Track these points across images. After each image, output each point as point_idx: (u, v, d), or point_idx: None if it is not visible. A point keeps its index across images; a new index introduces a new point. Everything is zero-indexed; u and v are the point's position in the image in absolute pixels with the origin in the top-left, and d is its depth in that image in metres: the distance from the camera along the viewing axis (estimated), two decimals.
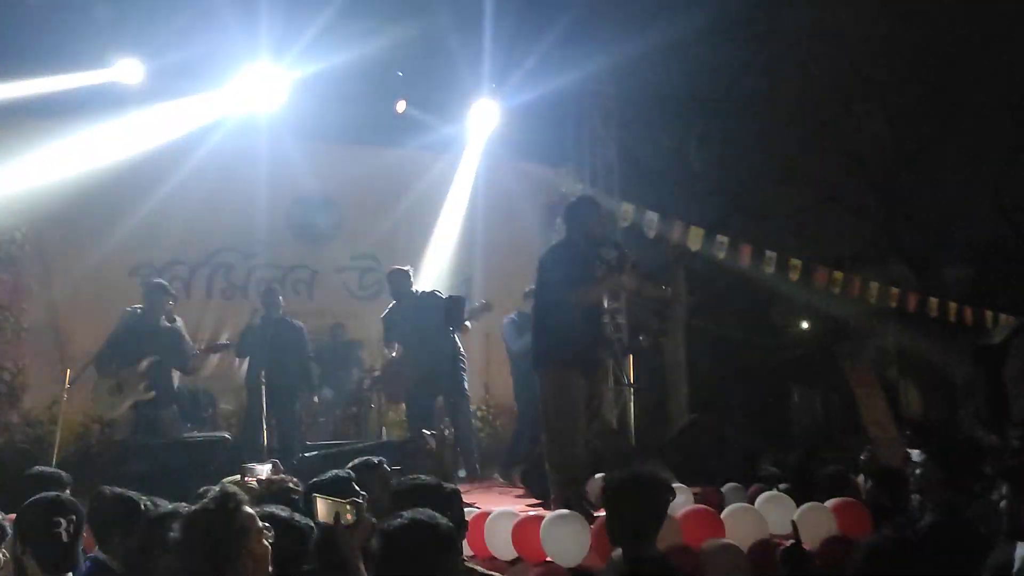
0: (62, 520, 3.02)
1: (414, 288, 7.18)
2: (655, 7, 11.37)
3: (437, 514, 2.52)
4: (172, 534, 2.21)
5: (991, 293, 12.83)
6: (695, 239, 9.79)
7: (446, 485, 3.26)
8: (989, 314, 10.93)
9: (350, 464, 3.66)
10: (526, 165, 10.03)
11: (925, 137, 14.24)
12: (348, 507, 2.54)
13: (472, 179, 9.70)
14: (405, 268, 7.31)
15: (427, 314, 6.52)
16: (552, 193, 10.04)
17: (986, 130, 13.86)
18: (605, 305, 5.31)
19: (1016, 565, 3.04)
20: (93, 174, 8.33)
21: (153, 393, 6.25)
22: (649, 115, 12.42)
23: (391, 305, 7.23)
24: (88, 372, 6.45)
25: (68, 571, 3.10)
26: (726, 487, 5.56)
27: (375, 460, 3.80)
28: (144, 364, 6.24)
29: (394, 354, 7.17)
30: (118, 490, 3.58)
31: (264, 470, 4.18)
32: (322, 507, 2.57)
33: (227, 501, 2.20)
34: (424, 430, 5.23)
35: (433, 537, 2.42)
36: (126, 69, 7.94)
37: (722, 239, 9.91)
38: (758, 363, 13.62)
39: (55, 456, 6.28)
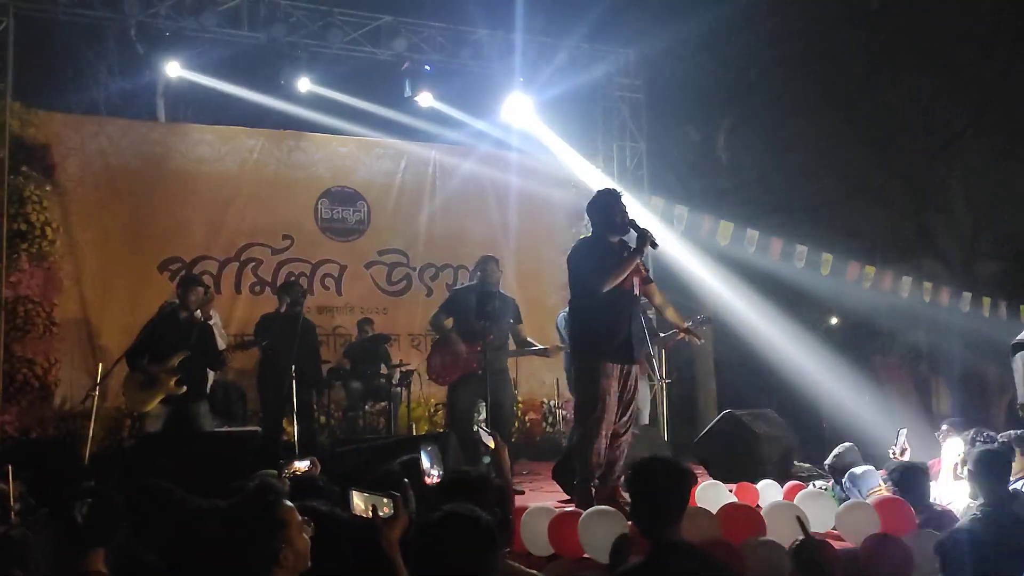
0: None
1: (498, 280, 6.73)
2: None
3: (478, 509, 2.47)
4: (211, 527, 2.19)
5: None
6: (724, 233, 9.70)
7: (494, 479, 3.20)
8: None
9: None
10: (554, 159, 9.96)
11: (957, 129, 14.01)
12: (385, 500, 2.49)
13: (502, 173, 9.65)
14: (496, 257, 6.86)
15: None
16: (581, 187, 9.97)
17: (1019, 121, 13.60)
18: (641, 298, 5.24)
19: None
20: (123, 170, 8.43)
21: (184, 388, 6.25)
22: (677, 108, 12.32)
23: (468, 285, 7.00)
24: (120, 366, 6.47)
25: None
26: (761, 484, 5.47)
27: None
28: (176, 359, 6.24)
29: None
30: (154, 481, 3.57)
31: (303, 465, 4.15)
32: (358, 501, 2.53)
33: (266, 493, 2.18)
34: (481, 428, 5.10)
35: (473, 532, 2.36)
36: None
37: (752, 233, 9.82)
38: (786, 358, 13.44)
39: (88, 449, 6.32)
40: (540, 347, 6.76)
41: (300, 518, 2.20)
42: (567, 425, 9.38)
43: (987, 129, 13.83)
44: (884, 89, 13.88)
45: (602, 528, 3.99)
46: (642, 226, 5.05)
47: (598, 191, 5.25)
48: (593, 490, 4.81)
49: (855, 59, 13.64)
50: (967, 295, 10.58)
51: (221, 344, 6.73)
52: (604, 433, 4.83)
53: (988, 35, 13.30)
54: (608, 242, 5.05)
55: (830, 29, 13.26)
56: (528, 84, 9.44)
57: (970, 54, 13.46)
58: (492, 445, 4.00)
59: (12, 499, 3.42)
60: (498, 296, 6.34)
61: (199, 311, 6.41)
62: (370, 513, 2.48)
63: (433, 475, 3.89)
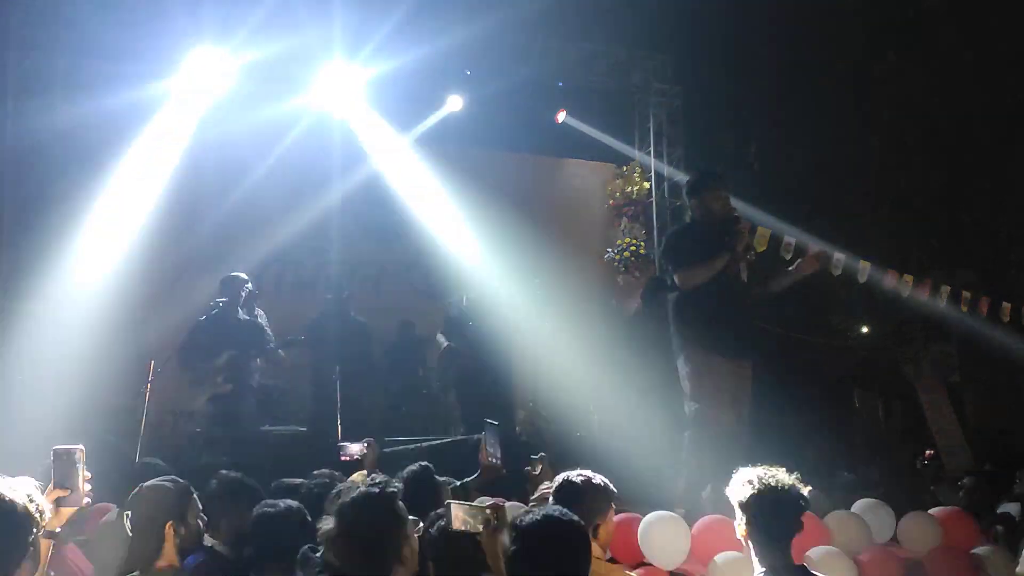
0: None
1: None
2: (719, 6, 11.26)
3: (568, 511, 2.49)
4: (325, 526, 2.21)
5: None
6: (762, 240, 9.65)
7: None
8: None
9: None
10: (592, 164, 9.98)
11: (990, 140, 13.89)
12: (490, 512, 2.48)
13: (537, 177, 9.68)
14: None
15: None
16: (618, 192, 10.00)
17: None
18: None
19: None
20: (170, 173, 8.51)
21: (230, 386, 6.30)
22: (711, 115, 12.31)
23: None
24: (170, 364, 6.53)
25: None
26: (807, 492, 5.43)
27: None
28: (223, 358, 6.30)
29: None
30: (230, 475, 3.60)
31: (358, 448, 4.19)
32: (459, 514, 2.49)
33: (386, 488, 2.20)
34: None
35: (570, 534, 2.38)
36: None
37: (789, 240, 9.76)
38: (819, 367, 13.38)
39: (139, 448, 6.37)
40: None
41: (411, 517, 2.23)
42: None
43: (1020, 140, 13.71)
44: (919, 99, 13.79)
45: (665, 534, 3.96)
46: (739, 227, 4.61)
47: (696, 173, 4.94)
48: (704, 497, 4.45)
49: (890, 69, 13.57)
50: (1007, 305, 10.45)
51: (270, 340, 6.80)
52: (712, 435, 4.51)
53: (1022, 46, 13.19)
54: (702, 231, 4.69)
55: (862, 40, 13.22)
56: (563, 89, 9.47)
57: (1005, 65, 13.36)
58: (536, 471, 3.92)
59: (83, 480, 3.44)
60: None
61: (245, 309, 6.49)
62: (470, 525, 2.47)
63: (495, 455, 3.85)
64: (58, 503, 2.31)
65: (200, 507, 3.15)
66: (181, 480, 3.19)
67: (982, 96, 13.58)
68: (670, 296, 4.89)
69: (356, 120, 8.79)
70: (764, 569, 2.70)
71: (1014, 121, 13.45)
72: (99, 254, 7.95)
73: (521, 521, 2.44)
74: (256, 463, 5.61)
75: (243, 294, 6.64)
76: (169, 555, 2.92)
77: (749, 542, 2.77)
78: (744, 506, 2.75)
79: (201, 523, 3.06)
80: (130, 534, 2.94)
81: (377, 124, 9.06)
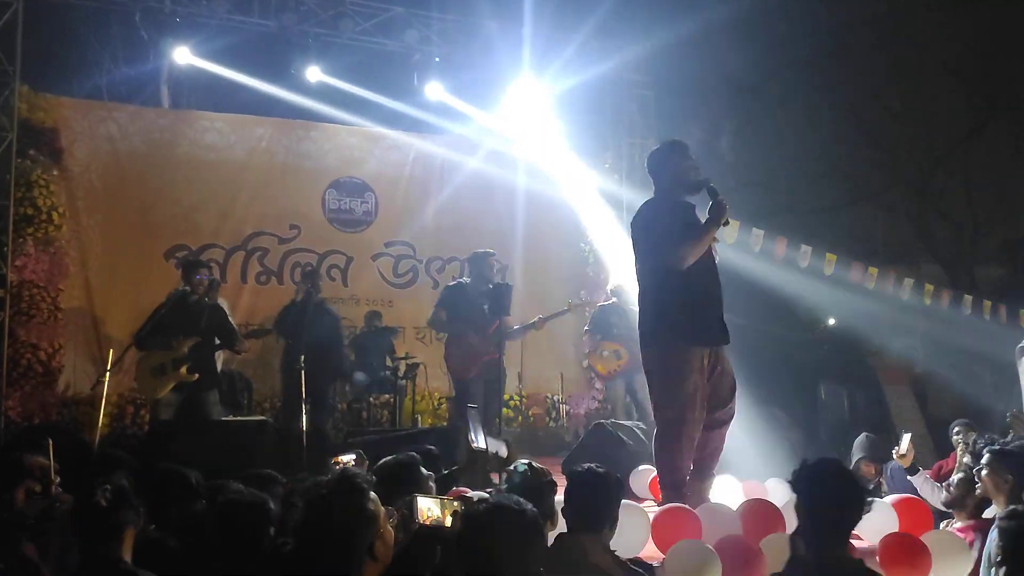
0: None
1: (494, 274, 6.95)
2: None
3: (523, 500, 2.46)
4: (293, 520, 2.14)
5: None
6: (731, 232, 9.70)
7: (544, 475, 3.18)
8: None
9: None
10: (564, 155, 9.96)
11: (959, 135, 14.08)
12: (456, 503, 2.44)
13: (510, 167, 9.63)
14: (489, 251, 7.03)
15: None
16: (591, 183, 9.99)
17: (1020, 128, 13.69)
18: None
19: None
20: (132, 159, 8.38)
21: (197, 375, 6.23)
22: (683, 106, 12.33)
23: (459, 281, 7.13)
24: (129, 353, 6.43)
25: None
26: (769, 482, 5.48)
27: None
28: (186, 344, 6.21)
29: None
30: (173, 466, 3.56)
31: (349, 459, 4.15)
32: (426, 507, 2.47)
33: (356, 482, 2.14)
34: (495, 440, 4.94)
35: (520, 523, 2.32)
36: None
37: (758, 232, 9.83)
38: (785, 359, 13.50)
39: (96, 436, 6.29)
40: (529, 323, 6.91)
41: (384, 510, 2.19)
42: (571, 420, 9.40)
43: (988, 136, 13.92)
44: (889, 94, 13.95)
45: (624, 523, 3.97)
46: (714, 188, 4.28)
47: (661, 144, 4.58)
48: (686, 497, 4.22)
49: (861, 64, 13.70)
50: (968, 298, 10.63)
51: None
52: (688, 434, 4.26)
53: (991, 42, 13.37)
54: (679, 203, 4.35)
55: (836, 33, 13.32)
56: (537, 78, 9.42)
57: (974, 61, 13.54)
58: (506, 454, 3.93)
59: (54, 472, 3.39)
60: (507, 288, 6.37)
61: (207, 296, 6.40)
62: (435, 518, 2.43)
63: (478, 442, 3.84)
64: None
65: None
66: None
67: (950, 90, 13.77)
68: (639, 282, 4.48)
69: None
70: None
71: (981, 115, 13.65)
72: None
73: (470, 508, 2.40)
74: (220, 454, 5.57)
75: (207, 282, 6.56)
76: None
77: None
78: None
79: None
80: None
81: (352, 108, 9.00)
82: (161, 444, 5.95)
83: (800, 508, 2.64)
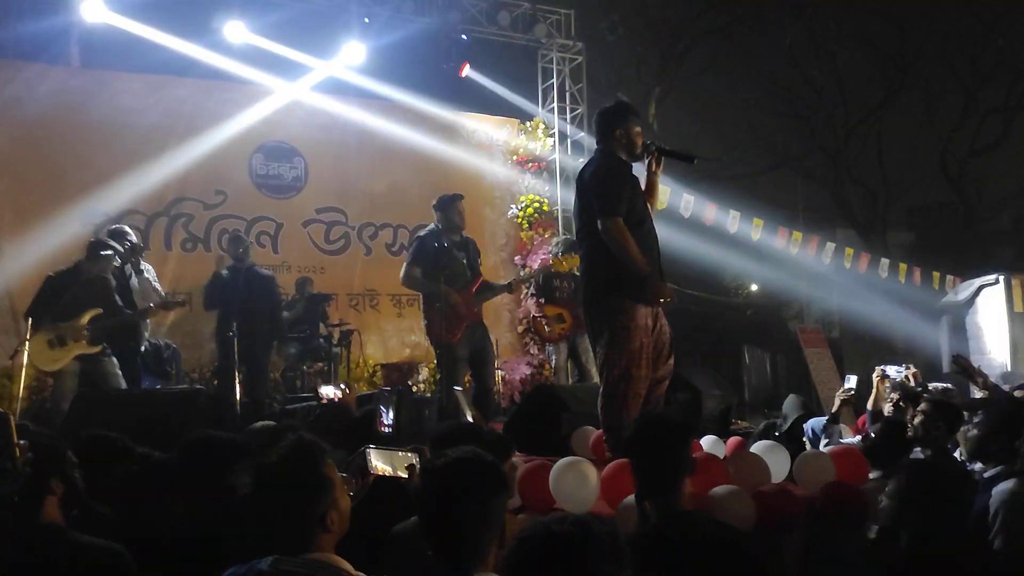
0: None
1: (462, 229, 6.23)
2: None
3: (482, 452, 2.41)
4: (243, 486, 2.04)
5: (932, 256, 13.27)
6: (662, 197, 9.83)
7: (489, 431, 3.17)
8: (936, 275, 11.29)
9: None
10: (496, 119, 9.89)
11: (873, 103, 14.57)
12: (410, 455, 2.38)
13: (443, 132, 9.51)
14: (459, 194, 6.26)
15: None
16: (521, 148, 9.96)
17: (933, 97, 14.24)
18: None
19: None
20: (42, 121, 7.94)
21: (100, 347, 6.01)
22: (611, 74, 12.39)
23: (429, 229, 6.21)
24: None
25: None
26: (704, 439, 5.60)
27: None
28: (87, 315, 5.99)
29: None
30: (105, 432, 3.43)
31: (329, 391, 4.06)
32: (378, 459, 2.40)
33: (309, 451, 2.02)
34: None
35: (481, 475, 2.22)
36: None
37: (688, 198, 9.99)
38: (711, 323, 13.84)
39: (17, 407, 6.00)
40: (502, 284, 6.49)
41: (341, 476, 2.09)
42: (506, 386, 9.40)
43: (901, 105, 14.45)
44: (806, 63, 14.30)
45: (574, 478, 4.00)
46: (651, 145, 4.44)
47: (611, 104, 4.59)
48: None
49: (779, 33, 13.98)
50: (885, 261, 11.06)
51: (157, 296, 6.51)
52: (635, 391, 4.29)
53: (904, 13, 13.83)
54: (627, 167, 4.38)
55: (757, 3, 13.54)
56: (469, 41, 9.31)
57: (888, 32, 13.99)
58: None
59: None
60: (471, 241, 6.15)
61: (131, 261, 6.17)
62: (391, 471, 2.36)
63: (387, 424, 3.85)
64: None
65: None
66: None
67: (865, 57, 14.20)
68: (584, 241, 4.45)
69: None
70: None
71: (894, 85, 14.13)
72: None
73: (431, 463, 2.34)
74: (150, 424, 5.37)
75: (123, 249, 6.30)
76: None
77: None
78: None
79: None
80: None
81: (278, 70, 8.70)
82: (84, 416, 5.71)
83: (635, 459, 2.77)
